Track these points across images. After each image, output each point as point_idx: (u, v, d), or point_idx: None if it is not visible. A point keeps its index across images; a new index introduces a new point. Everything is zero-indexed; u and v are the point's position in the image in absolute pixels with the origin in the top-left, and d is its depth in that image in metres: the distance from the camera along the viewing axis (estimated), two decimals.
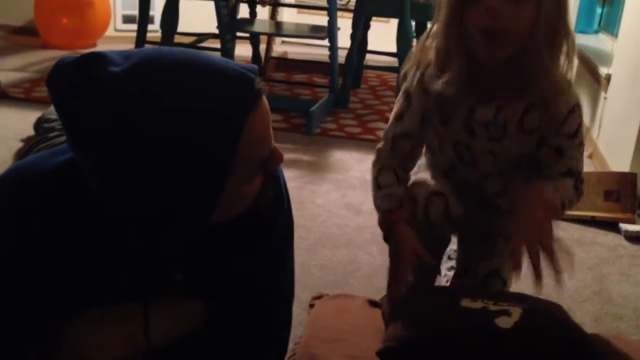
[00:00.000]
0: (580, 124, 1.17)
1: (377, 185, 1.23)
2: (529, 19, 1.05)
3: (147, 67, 0.75)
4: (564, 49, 1.10)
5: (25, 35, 4.38)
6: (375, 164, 1.26)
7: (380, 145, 1.27)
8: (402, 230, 1.17)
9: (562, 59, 1.11)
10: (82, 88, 0.73)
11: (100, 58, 0.74)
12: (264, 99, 0.81)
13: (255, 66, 0.82)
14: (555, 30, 1.08)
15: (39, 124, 2.46)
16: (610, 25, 3.76)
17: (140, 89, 0.73)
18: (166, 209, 0.78)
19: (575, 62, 1.15)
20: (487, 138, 1.19)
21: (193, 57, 0.78)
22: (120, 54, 0.77)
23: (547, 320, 1.07)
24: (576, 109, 1.16)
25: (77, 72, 0.74)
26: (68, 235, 0.82)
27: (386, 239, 1.22)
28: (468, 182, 1.28)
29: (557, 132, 1.16)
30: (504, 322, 1.03)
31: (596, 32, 3.97)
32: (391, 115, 1.26)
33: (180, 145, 0.74)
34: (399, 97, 1.25)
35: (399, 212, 1.19)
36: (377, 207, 1.23)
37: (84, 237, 0.83)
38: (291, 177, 2.31)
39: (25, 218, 0.82)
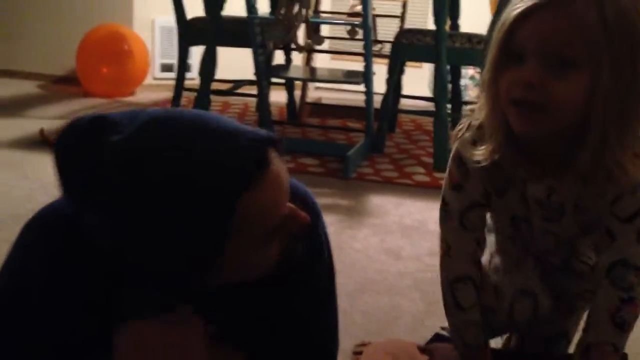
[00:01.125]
0: (639, 208, 0.98)
1: (457, 304, 1.10)
2: (577, 95, 0.87)
3: (148, 131, 0.75)
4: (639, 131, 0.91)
5: (67, 85, 4.51)
6: (446, 267, 1.12)
7: (443, 232, 1.12)
8: None
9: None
10: (86, 151, 0.75)
11: (105, 122, 0.76)
12: (276, 167, 0.78)
13: (270, 133, 0.80)
14: (624, 108, 0.88)
15: None
16: None
17: (137, 154, 0.73)
18: (159, 271, 0.78)
19: None
20: (542, 218, 1.05)
21: (202, 122, 0.76)
22: (126, 116, 0.77)
23: None
24: (635, 188, 0.97)
25: (84, 137, 0.76)
26: (87, 283, 0.82)
27: None
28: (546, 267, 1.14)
29: (608, 212, 0.99)
30: None
31: None
32: (445, 182, 1.10)
33: (173, 215, 0.73)
34: (450, 159, 1.08)
35: (485, 352, 1.11)
36: (458, 333, 1.12)
37: (103, 285, 0.82)
38: (329, 222, 2.28)
39: (52, 261, 0.83)
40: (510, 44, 0.90)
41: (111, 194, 0.74)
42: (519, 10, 0.88)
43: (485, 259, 1.16)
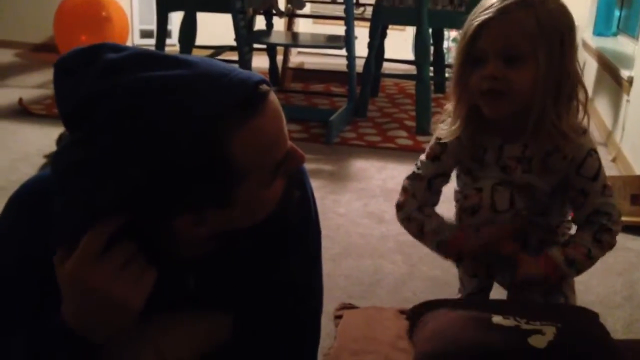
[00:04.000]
0: (599, 167, 1.24)
1: (422, 233, 1.32)
2: (528, 80, 1.14)
3: (149, 55, 0.75)
4: (574, 102, 1.19)
5: (45, 52, 4.44)
6: (405, 213, 1.33)
7: (409, 184, 1.34)
8: (474, 238, 1.25)
9: (574, 109, 1.20)
10: (82, 66, 0.75)
11: (104, 45, 0.76)
12: (272, 102, 0.79)
13: (265, 77, 0.80)
14: (558, 87, 1.15)
15: (61, 140, 2.49)
16: (629, 27, 3.73)
17: (131, 81, 0.73)
18: (157, 209, 0.76)
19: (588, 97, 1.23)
20: (522, 171, 1.25)
21: (198, 58, 0.77)
22: (125, 47, 0.77)
23: (581, 340, 1.06)
24: (593, 153, 1.23)
25: (86, 56, 0.76)
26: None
27: (459, 259, 1.29)
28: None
29: (577, 174, 1.23)
30: (538, 342, 1.02)
31: (615, 34, 3.93)
32: (424, 155, 1.34)
33: (168, 144, 0.72)
34: (431, 141, 1.33)
35: (457, 236, 1.27)
36: (437, 250, 1.32)
37: None
38: (313, 186, 2.30)
39: (36, 229, 0.83)
40: (473, 51, 1.16)
41: (102, 113, 0.72)
42: (477, 23, 1.14)
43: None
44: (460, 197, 1.29)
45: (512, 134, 1.23)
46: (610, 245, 1.26)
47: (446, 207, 1.41)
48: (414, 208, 1.32)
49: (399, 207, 1.35)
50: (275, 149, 0.80)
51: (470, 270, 1.35)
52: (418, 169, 1.34)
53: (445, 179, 1.33)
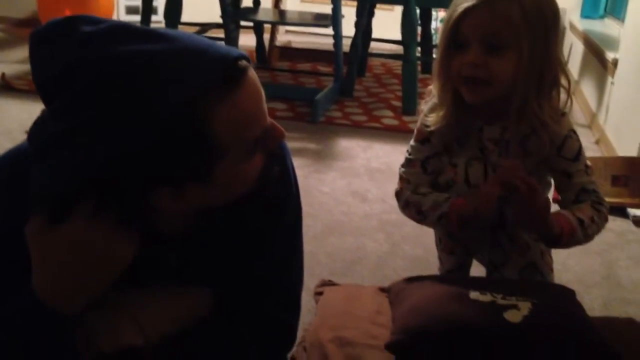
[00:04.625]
0: (580, 148, 1.24)
1: (422, 213, 1.27)
2: (509, 69, 1.14)
3: (121, 33, 0.74)
4: (554, 91, 1.19)
5: (29, 28, 4.37)
6: (403, 200, 1.30)
7: (404, 171, 1.31)
8: (468, 199, 1.20)
9: (555, 96, 1.20)
10: (57, 38, 0.74)
11: (79, 18, 0.76)
12: (251, 78, 0.79)
13: (245, 53, 0.80)
14: (541, 76, 1.15)
15: None
16: (616, 10, 3.73)
17: (107, 54, 0.72)
18: (134, 178, 0.76)
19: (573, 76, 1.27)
20: (497, 154, 1.25)
21: (177, 32, 0.77)
22: (100, 20, 0.77)
23: (556, 315, 1.07)
24: (572, 134, 1.24)
25: (61, 27, 0.75)
26: None
27: (464, 227, 1.23)
28: None
29: (558, 156, 1.23)
30: (513, 316, 1.03)
31: (602, 17, 3.94)
32: (413, 139, 1.32)
33: (148, 116, 0.72)
34: (419, 120, 1.31)
35: (455, 203, 1.21)
36: (440, 225, 1.28)
37: None
38: (297, 165, 2.29)
39: (18, 202, 0.82)
40: (456, 36, 1.15)
41: (78, 85, 0.72)
42: (460, 10, 1.13)
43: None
44: (437, 174, 1.29)
45: (492, 116, 1.23)
46: (606, 218, 1.25)
47: None
48: (410, 192, 1.29)
49: (398, 196, 1.32)
50: (254, 124, 0.80)
51: (448, 249, 1.36)
52: (410, 154, 1.32)
53: (438, 158, 1.30)
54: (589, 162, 1.27)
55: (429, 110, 1.28)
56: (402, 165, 1.33)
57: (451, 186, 1.24)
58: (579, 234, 1.19)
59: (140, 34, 0.75)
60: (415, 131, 1.33)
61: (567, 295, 1.19)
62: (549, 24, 1.14)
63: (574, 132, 1.24)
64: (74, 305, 0.80)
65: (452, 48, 1.16)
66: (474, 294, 1.08)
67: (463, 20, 1.13)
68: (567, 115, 1.24)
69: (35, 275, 0.79)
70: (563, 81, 1.19)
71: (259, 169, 0.84)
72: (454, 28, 1.15)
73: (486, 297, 1.07)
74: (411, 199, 1.28)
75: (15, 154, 0.88)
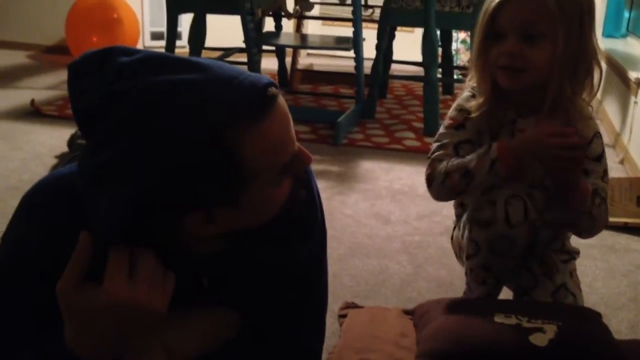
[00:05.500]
0: (603, 151, 1.28)
1: (469, 172, 1.22)
2: (545, 58, 1.17)
3: (155, 64, 0.76)
4: (589, 79, 1.22)
5: (57, 54, 4.48)
6: (438, 174, 1.25)
7: (437, 154, 1.28)
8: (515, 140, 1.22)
9: (586, 92, 1.23)
10: (94, 69, 0.76)
11: (115, 49, 0.78)
12: (280, 105, 0.81)
13: (273, 80, 0.82)
14: (576, 66, 1.19)
15: (72, 141, 2.52)
16: (638, 29, 3.72)
17: (145, 85, 0.74)
18: (166, 210, 0.78)
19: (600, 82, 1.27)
20: None
21: (210, 61, 0.79)
22: (136, 50, 0.79)
23: (582, 338, 1.07)
24: (599, 135, 1.28)
25: (98, 59, 0.77)
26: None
27: (518, 166, 1.20)
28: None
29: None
30: (539, 340, 1.03)
31: (624, 36, 3.93)
32: (444, 127, 1.32)
33: (181, 146, 0.74)
34: (452, 110, 1.33)
35: (501, 145, 1.20)
36: (492, 175, 1.21)
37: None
38: (320, 187, 2.30)
39: (48, 228, 0.84)
40: (493, 26, 1.20)
41: (115, 115, 0.74)
42: (497, 1, 1.18)
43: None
44: (471, 208, 1.28)
45: (527, 109, 1.26)
46: (606, 219, 1.27)
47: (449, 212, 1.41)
48: (446, 163, 1.24)
49: (430, 177, 1.26)
50: (283, 151, 0.82)
51: (480, 278, 1.32)
52: (440, 141, 1.29)
53: (472, 146, 1.27)
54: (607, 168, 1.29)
55: (466, 100, 1.31)
56: (432, 152, 1.30)
57: (490, 225, 1.23)
58: (588, 202, 1.21)
59: (173, 63, 0.78)
60: (447, 119, 1.33)
61: (593, 318, 1.19)
62: (584, 12, 1.17)
63: (600, 134, 1.28)
64: (105, 356, 0.81)
65: (489, 38, 1.21)
66: (498, 317, 1.08)
67: (499, 11, 1.18)
68: (594, 118, 1.28)
69: (67, 329, 0.80)
70: (596, 73, 1.22)
71: (287, 194, 0.86)
72: (491, 19, 1.19)
73: (511, 320, 1.07)
74: (451, 167, 1.23)
75: (53, 179, 0.90)
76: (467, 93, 1.32)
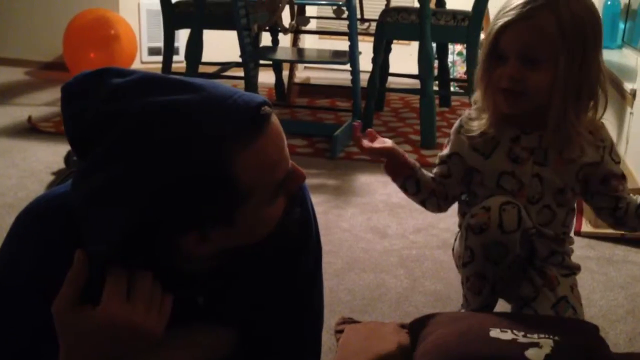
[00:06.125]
0: (619, 156, 1.33)
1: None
2: (546, 82, 1.17)
3: (149, 85, 0.77)
4: (592, 103, 1.23)
5: (55, 71, 4.50)
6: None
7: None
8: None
9: (591, 111, 1.24)
10: (87, 90, 0.77)
11: (108, 70, 0.79)
12: (274, 123, 0.81)
13: (267, 99, 0.82)
14: (579, 90, 1.19)
15: (69, 157, 2.52)
16: (634, 40, 3.73)
17: (139, 106, 0.75)
18: (164, 228, 0.78)
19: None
20: (532, 162, 1.29)
21: (201, 81, 0.79)
22: (129, 71, 0.79)
23: (579, 352, 1.07)
24: (612, 143, 1.32)
25: (92, 80, 0.78)
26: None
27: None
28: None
29: (610, 159, 1.30)
30: (535, 355, 1.02)
31: (620, 47, 3.94)
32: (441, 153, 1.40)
33: (176, 167, 0.74)
34: (451, 135, 1.38)
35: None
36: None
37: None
38: (316, 201, 2.31)
39: (44, 246, 0.84)
40: (496, 48, 1.21)
41: (109, 137, 0.74)
42: (500, 24, 1.19)
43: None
44: (467, 215, 1.30)
45: (530, 125, 1.26)
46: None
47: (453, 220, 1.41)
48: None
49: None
50: (277, 169, 0.82)
51: (475, 288, 1.33)
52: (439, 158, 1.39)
53: (460, 159, 1.34)
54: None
55: (468, 119, 1.33)
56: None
57: (484, 230, 1.25)
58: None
59: (168, 84, 0.78)
60: (446, 141, 1.39)
61: (590, 331, 1.18)
62: (588, 38, 1.17)
63: (613, 143, 1.33)
64: None
65: (492, 59, 1.22)
66: (494, 332, 1.08)
67: (502, 34, 1.18)
68: (604, 126, 1.30)
69: (62, 348, 0.80)
70: (601, 96, 1.23)
71: (281, 212, 0.86)
72: (494, 40, 1.20)
73: (507, 335, 1.07)
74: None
75: (50, 197, 0.90)
76: (469, 112, 1.34)
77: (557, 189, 1.31)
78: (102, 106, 0.76)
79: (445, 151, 1.37)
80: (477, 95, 1.31)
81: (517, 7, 1.16)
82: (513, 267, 1.30)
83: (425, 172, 1.38)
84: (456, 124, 1.36)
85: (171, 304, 0.82)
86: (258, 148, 0.78)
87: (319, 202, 2.32)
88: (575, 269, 1.41)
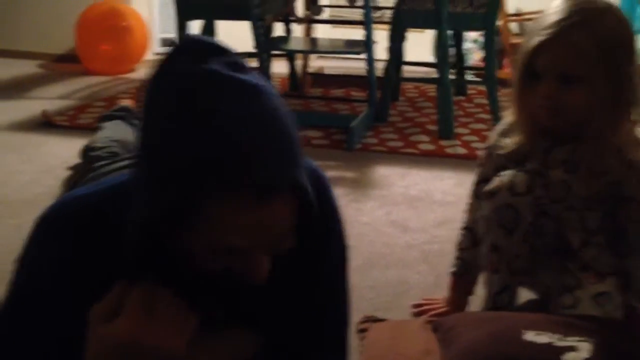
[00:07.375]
0: None
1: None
2: (583, 100, 1.17)
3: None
4: (630, 116, 1.21)
5: (67, 63, 4.48)
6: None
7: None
8: None
9: (631, 121, 1.22)
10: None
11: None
12: (283, 206, 0.77)
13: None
14: (617, 103, 1.18)
15: (85, 152, 2.50)
16: None
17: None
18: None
19: None
20: (563, 170, 1.27)
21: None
22: None
23: (619, 357, 1.03)
24: None
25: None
26: (103, 269, 0.82)
27: None
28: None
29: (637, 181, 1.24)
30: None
31: (637, 32, 3.87)
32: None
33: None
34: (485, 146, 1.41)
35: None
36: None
37: (119, 271, 0.81)
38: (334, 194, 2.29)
39: (65, 252, 0.83)
40: (531, 67, 1.20)
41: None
42: (535, 43, 1.18)
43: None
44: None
45: (564, 138, 1.25)
46: None
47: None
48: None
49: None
50: (243, 236, 0.76)
51: (492, 266, 1.31)
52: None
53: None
54: None
55: (500, 134, 1.33)
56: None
57: (495, 193, 1.26)
58: None
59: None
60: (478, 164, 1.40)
61: (630, 333, 1.14)
62: (624, 51, 1.18)
63: None
64: None
65: (528, 77, 1.22)
66: (529, 335, 1.05)
67: (537, 54, 1.18)
68: None
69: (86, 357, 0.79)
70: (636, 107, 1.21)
71: (213, 269, 0.81)
72: (529, 61, 1.20)
73: (543, 338, 1.04)
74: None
75: (72, 200, 0.89)
76: (501, 127, 1.35)
77: (582, 198, 1.27)
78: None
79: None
80: (510, 113, 1.31)
81: (551, 26, 1.16)
82: (531, 244, 1.27)
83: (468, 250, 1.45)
84: (486, 144, 1.37)
85: (195, 323, 0.81)
86: (244, 209, 0.74)
87: (337, 196, 2.29)
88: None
